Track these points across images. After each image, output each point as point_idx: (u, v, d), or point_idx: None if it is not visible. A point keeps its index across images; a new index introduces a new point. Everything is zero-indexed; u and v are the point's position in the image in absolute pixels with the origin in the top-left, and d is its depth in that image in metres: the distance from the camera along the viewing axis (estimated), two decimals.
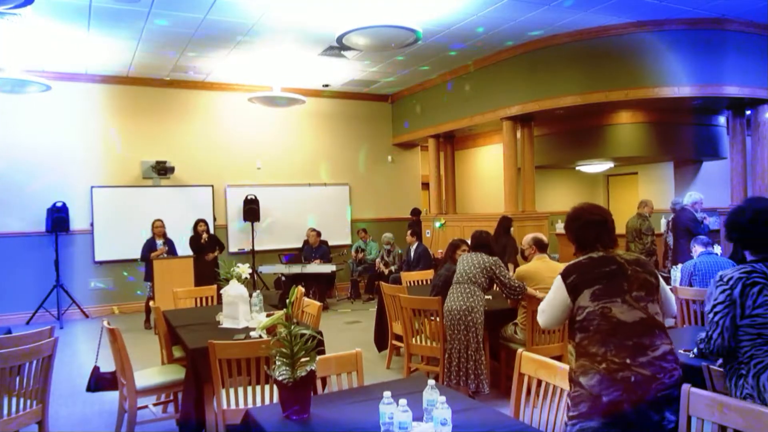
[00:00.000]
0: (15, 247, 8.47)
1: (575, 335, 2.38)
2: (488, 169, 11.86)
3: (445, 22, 6.93)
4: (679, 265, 5.32)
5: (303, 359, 2.26)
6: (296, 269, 8.79)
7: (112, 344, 3.70)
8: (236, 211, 9.87)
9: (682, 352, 2.97)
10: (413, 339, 4.98)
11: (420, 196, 11.88)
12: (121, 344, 3.61)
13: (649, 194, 9.54)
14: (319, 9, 6.36)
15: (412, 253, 8.68)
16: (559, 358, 4.24)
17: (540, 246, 4.80)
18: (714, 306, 2.26)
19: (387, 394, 2.05)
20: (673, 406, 2.14)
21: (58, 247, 8.47)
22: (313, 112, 10.58)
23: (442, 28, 7.18)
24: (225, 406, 3.21)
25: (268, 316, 4.04)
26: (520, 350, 2.68)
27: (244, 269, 4.30)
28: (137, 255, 8.07)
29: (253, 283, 9.06)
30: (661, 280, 2.45)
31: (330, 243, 9.89)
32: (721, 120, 9.08)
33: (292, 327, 2.25)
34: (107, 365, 3.96)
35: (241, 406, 3.20)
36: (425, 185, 11.72)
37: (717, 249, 5.39)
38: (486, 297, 4.74)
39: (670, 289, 2.59)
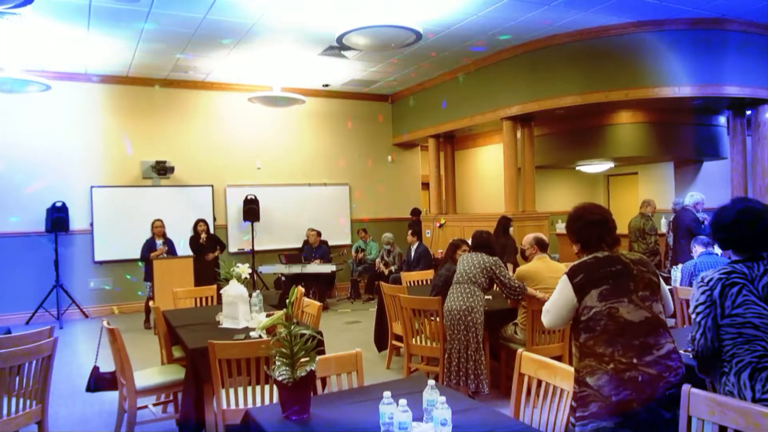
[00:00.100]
0: (15, 246, 8.46)
1: (579, 335, 2.40)
2: (488, 169, 11.85)
3: (445, 22, 6.93)
4: (680, 266, 5.31)
5: (303, 359, 2.25)
6: (296, 269, 8.79)
7: (111, 344, 3.70)
8: (236, 211, 9.86)
9: (682, 352, 2.97)
10: (413, 339, 4.98)
11: (420, 196, 11.88)
12: (121, 344, 3.60)
13: (649, 194, 9.53)
14: (319, 9, 6.36)
15: (412, 253, 8.68)
16: (559, 359, 4.23)
17: (541, 246, 4.80)
18: (696, 307, 2.29)
19: (387, 394, 2.05)
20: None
21: (58, 247, 8.46)
22: (313, 112, 10.58)
23: (442, 28, 7.17)
24: (225, 406, 3.21)
25: (267, 316, 4.03)
26: (520, 350, 2.68)
27: (243, 269, 4.30)
28: (137, 255, 8.07)
29: (252, 283, 9.06)
30: (660, 279, 2.48)
31: (330, 243, 9.89)
32: (722, 120, 9.07)
33: (292, 327, 2.25)
34: (107, 365, 3.95)
35: (241, 406, 3.20)
36: (425, 185, 11.71)
37: (717, 249, 5.37)
38: (486, 297, 4.74)
39: (670, 289, 2.61)
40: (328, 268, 8.86)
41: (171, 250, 7.97)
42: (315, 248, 9.41)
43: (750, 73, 7.21)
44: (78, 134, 8.93)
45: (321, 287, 8.85)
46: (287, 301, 2.38)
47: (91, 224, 8.95)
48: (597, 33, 7.32)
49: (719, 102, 7.94)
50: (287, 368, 2.23)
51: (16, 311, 8.28)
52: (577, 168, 11.14)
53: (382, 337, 5.91)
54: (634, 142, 8.91)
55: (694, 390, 2.07)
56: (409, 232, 8.91)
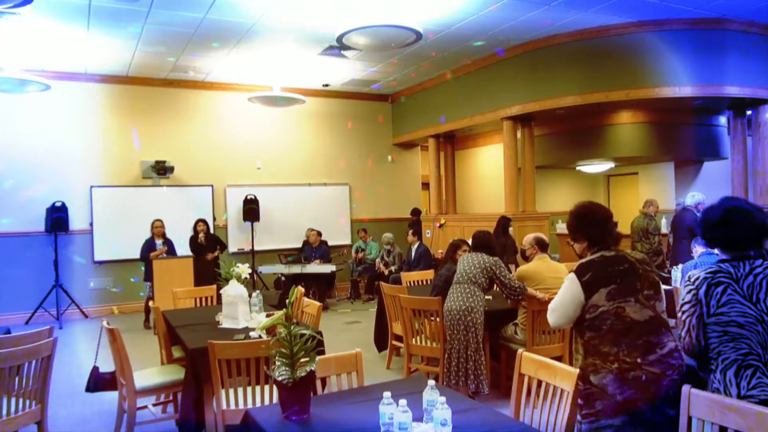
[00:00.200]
0: (14, 246, 8.46)
1: (583, 333, 2.42)
2: (488, 169, 11.85)
3: (446, 21, 6.92)
4: (680, 266, 5.31)
5: (303, 359, 2.25)
6: (296, 269, 8.78)
7: (111, 344, 3.70)
8: (236, 211, 9.86)
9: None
10: (413, 339, 4.97)
11: (420, 196, 11.87)
12: (121, 344, 3.60)
13: (649, 194, 9.52)
14: (319, 8, 6.35)
15: (413, 253, 8.67)
16: (559, 359, 4.23)
17: (541, 246, 4.80)
18: (682, 305, 2.32)
19: (387, 394, 2.05)
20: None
21: (58, 247, 8.46)
22: (313, 112, 10.57)
23: (442, 28, 7.17)
24: (224, 407, 3.21)
25: (267, 316, 4.03)
26: (520, 350, 2.68)
27: (243, 269, 4.30)
28: (137, 255, 8.06)
29: (252, 283, 9.06)
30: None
31: (330, 243, 9.89)
32: (722, 120, 9.07)
33: (292, 327, 2.25)
34: (106, 365, 3.95)
35: (241, 406, 3.20)
36: (425, 185, 11.71)
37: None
38: (486, 297, 4.73)
39: (669, 289, 2.63)
40: (328, 268, 8.85)
41: (170, 250, 7.97)
42: (315, 248, 9.40)
43: (750, 73, 7.21)
44: (78, 134, 8.93)
45: (321, 287, 8.85)
46: (287, 301, 2.37)
47: (91, 224, 8.95)
48: (597, 33, 7.31)
49: (720, 102, 7.94)
50: (287, 368, 2.22)
51: (15, 311, 8.28)
52: (578, 168, 11.14)
53: (382, 338, 5.91)
54: (635, 142, 8.90)
55: (695, 390, 2.08)
56: (410, 231, 8.90)
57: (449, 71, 9.38)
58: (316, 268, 8.85)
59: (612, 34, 7.26)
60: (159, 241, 7.91)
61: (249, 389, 3.22)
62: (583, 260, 2.51)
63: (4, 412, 3.09)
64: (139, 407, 3.72)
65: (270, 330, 3.04)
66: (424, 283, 6.67)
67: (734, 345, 2.18)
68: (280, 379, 2.22)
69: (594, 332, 2.38)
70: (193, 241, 8.24)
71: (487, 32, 7.37)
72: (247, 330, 3.93)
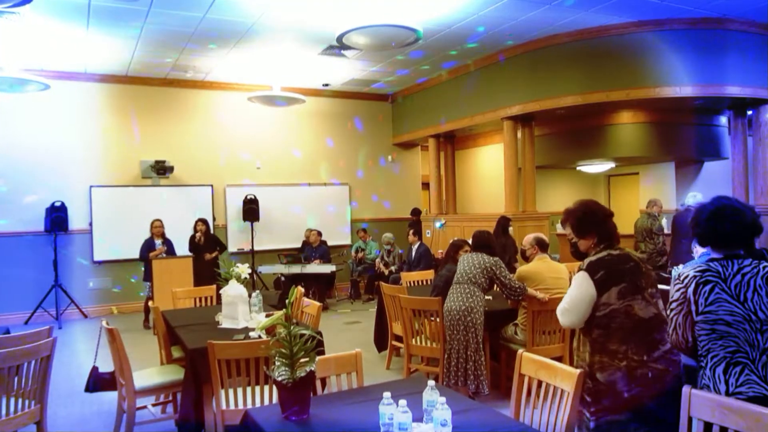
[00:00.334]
0: (13, 246, 8.45)
1: (591, 330, 2.46)
2: (489, 169, 11.84)
3: (446, 21, 6.91)
4: (680, 266, 5.30)
5: (302, 360, 2.25)
6: (296, 269, 8.77)
7: (110, 344, 3.69)
8: (236, 211, 9.85)
9: None
10: (413, 339, 4.96)
11: (420, 196, 11.87)
12: (120, 344, 3.59)
13: (650, 195, 9.52)
14: (319, 8, 6.35)
15: (413, 253, 8.66)
16: (559, 359, 4.22)
17: (542, 246, 4.79)
18: (671, 303, 2.36)
19: (387, 394, 2.05)
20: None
21: (57, 247, 8.45)
22: (313, 112, 10.57)
23: (442, 28, 7.16)
24: (224, 407, 3.20)
25: (267, 316, 4.02)
26: (520, 351, 2.67)
27: (243, 269, 4.29)
28: (136, 255, 8.05)
29: (252, 284, 9.05)
30: None
31: (330, 243, 9.88)
32: (723, 120, 9.07)
33: (292, 327, 2.24)
34: (106, 365, 3.94)
35: (240, 406, 3.19)
36: (425, 185, 11.71)
37: None
38: (486, 297, 4.72)
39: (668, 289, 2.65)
40: (327, 269, 8.85)
41: (170, 250, 7.95)
42: (315, 248, 9.40)
43: (751, 73, 7.20)
44: (77, 134, 8.92)
45: (321, 287, 8.84)
46: (287, 301, 2.37)
47: (91, 224, 8.94)
48: (598, 33, 7.30)
49: (720, 102, 7.93)
50: (287, 368, 2.22)
51: (14, 311, 8.27)
52: (578, 168, 11.13)
53: (382, 338, 5.90)
54: (635, 142, 8.90)
55: (695, 391, 2.09)
56: (410, 231, 8.89)
57: (449, 71, 9.37)
58: (315, 268, 8.84)
59: (612, 34, 7.25)
60: (158, 241, 7.90)
61: (249, 389, 3.22)
62: (592, 258, 2.52)
63: (4, 412, 3.08)
64: (138, 407, 3.72)
65: (270, 330, 3.03)
66: (424, 283, 6.66)
67: (723, 343, 2.20)
68: (279, 379, 2.22)
69: (602, 330, 2.42)
70: (191, 241, 8.23)
71: (488, 31, 7.36)
72: (246, 330, 3.93)
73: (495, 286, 4.60)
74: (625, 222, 10.33)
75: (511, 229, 7.73)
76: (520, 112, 8.19)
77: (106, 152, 9.10)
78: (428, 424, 2.07)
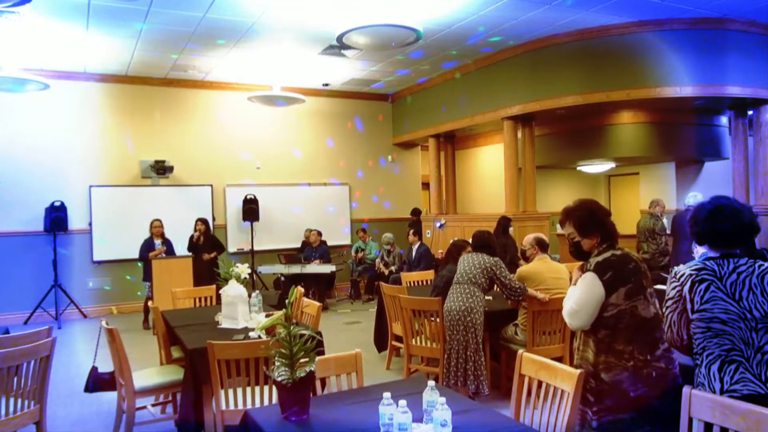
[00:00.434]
0: (13, 246, 8.45)
1: (597, 331, 2.47)
2: (489, 169, 11.84)
3: (446, 21, 6.91)
4: (681, 266, 5.29)
5: (302, 360, 2.24)
6: (296, 269, 8.76)
7: (110, 344, 3.69)
8: (235, 211, 9.84)
9: None
10: (413, 340, 4.96)
11: (420, 196, 11.86)
12: (120, 344, 3.59)
13: (650, 195, 9.51)
14: (319, 8, 6.34)
15: (413, 253, 8.65)
16: (559, 360, 4.21)
17: (542, 246, 4.79)
18: (666, 301, 2.38)
19: (387, 395, 2.04)
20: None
21: (57, 247, 8.44)
22: (313, 112, 10.56)
23: (442, 27, 7.15)
24: (224, 407, 3.20)
25: (267, 316, 4.01)
26: (520, 351, 2.66)
27: (243, 269, 4.28)
28: (136, 255, 8.03)
29: (252, 284, 9.04)
30: None
31: (330, 243, 9.87)
32: (723, 120, 9.06)
33: (292, 327, 2.24)
34: (105, 365, 3.94)
35: (240, 406, 3.18)
36: (425, 185, 11.70)
37: None
38: (486, 297, 4.71)
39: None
40: (327, 269, 8.84)
41: (169, 250, 7.94)
42: (315, 248, 9.39)
43: (752, 73, 7.19)
44: (77, 133, 8.91)
45: (321, 287, 8.83)
46: (287, 301, 2.36)
47: (90, 224, 8.93)
48: (598, 32, 7.30)
49: (721, 102, 7.93)
50: (286, 369, 2.21)
51: (14, 311, 8.27)
52: (578, 168, 11.12)
53: (381, 338, 5.89)
54: (636, 142, 8.89)
55: (695, 392, 2.09)
56: (410, 231, 8.88)
57: (449, 70, 9.36)
58: (315, 268, 8.83)
59: (613, 33, 7.24)
60: (158, 241, 7.88)
61: (248, 390, 3.21)
62: (599, 259, 2.53)
63: (3, 412, 3.07)
64: (138, 407, 3.71)
65: (269, 330, 3.03)
66: (425, 283, 6.65)
67: (718, 341, 2.22)
68: (279, 379, 2.21)
69: (609, 330, 2.44)
70: (190, 240, 8.21)
71: (488, 31, 7.36)
72: (246, 330, 3.92)
73: (495, 286, 4.59)
74: (626, 222, 10.32)
75: (511, 229, 7.72)
76: (521, 112, 8.19)
77: (105, 152, 9.10)
78: (428, 425, 2.06)
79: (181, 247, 8.25)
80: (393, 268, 9.22)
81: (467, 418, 2.23)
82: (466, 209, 12.24)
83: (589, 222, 2.62)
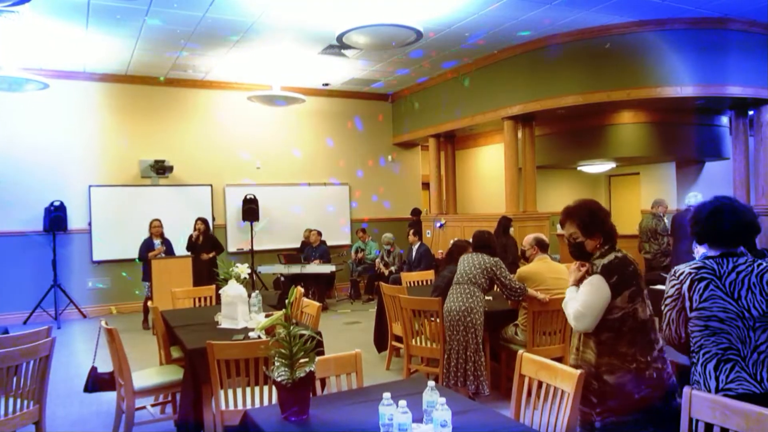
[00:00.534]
0: (12, 246, 8.44)
1: (600, 333, 2.48)
2: (489, 169, 11.83)
3: (446, 21, 6.90)
4: (681, 265, 5.28)
5: (302, 360, 2.24)
6: (295, 269, 8.76)
7: (109, 344, 3.68)
8: (235, 211, 9.84)
9: None
10: (413, 340, 4.95)
11: (420, 196, 11.86)
12: (119, 344, 3.58)
13: (651, 195, 9.51)
14: (319, 7, 6.33)
15: (413, 253, 8.64)
16: (560, 360, 4.20)
17: (541, 246, 4.78)
18: (665, 299, 2.39)
19: (386, 395, 2.04)
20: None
21: (56, 247, 8.44)
22: (313, 111, 10.55)
23: (443, 27, 7.15)
24: (223, 407, 3.19)
25: (267, 316, 4.01)
26: (520, 351, 2.66)
27: (242, 269, 4.27)
28: (135, 255, 8.02)
29: (251, 284, 9.03)
30: None
31: (330, 243, 9.86)
32: (724, 120, 9.05)
33: (291, 327, 2.23)
34: (105, 365, 3.93)
35: (240, 407, 3.18)
36: (425, 185, 11.69)
37: None
38: (486, 298, 4.71)
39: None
40: (327, 269, 8.83)
41: (169, 250, 7.92)
42: (315, 248, 9.38)
43: (752, 73, 7.19)
44: (76, 133, 8.90)
45: (320, 287, 8.83)
46: (286, 301, 2.35)
47: (90, 224, 8.93)
48: (598, 32, 7.29)
49: (721, 102, 7.92)
50: (286, 369, 2.21)
51: (13, 311, 8.26)
52: (579, 168, 11.12)
53: (381, 338, 5.88)
54: (636, 142, 8.88)
55: (696, 392, 2.09)
56: (410, 232, 8.88)
57: (451, 71, 9.36)
58: (315, 268, 8.82)
59: (613, 33, 7.24)
60: (157, 241, 7.87)
61: (248, 390, 3.20)
62: (605, 262, 2.53)
63: (2, 412, 3.07)
64: (137, 408, 3.70)
65: (269, 330, 3.02)
66: (425, 283, 6.64)
67: (715, 339, 2.24)
68: (279, 379, 2.20)
69: (613, 333, 2.45)
70: (189, 240, 8.19)
71: (489, 31, 7.35)
72: (246, 330, 3.91)
73: (495, 286, 4.58)
74: (626, 222, 10.32)
75: (512, 229, 7.71)
76: (521, 111, 8.18)
77: (105, 152, 9.09)
78: (428, 425, 2.06)
79: (180, 247, 8.24)
80: (393, 268, 9.22)
81: (467, 418, 2.22)
82: (467, 209, 12.24)
83: (592, 223, 2.62)
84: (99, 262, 8.96)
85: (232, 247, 9.85)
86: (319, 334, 3.25)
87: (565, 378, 2.36)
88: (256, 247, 9.80)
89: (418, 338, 4.97)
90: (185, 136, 9.65)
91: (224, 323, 4.15)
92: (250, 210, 9.61)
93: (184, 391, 3.53)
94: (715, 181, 9.55)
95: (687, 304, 2.29)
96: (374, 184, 11.17)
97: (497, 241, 6.62)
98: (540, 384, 2.50)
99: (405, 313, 4.87)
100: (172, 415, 4.04)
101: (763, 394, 2.15)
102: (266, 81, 9.49)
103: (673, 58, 7.09)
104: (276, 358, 2.24)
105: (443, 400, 2.02)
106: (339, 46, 7.57)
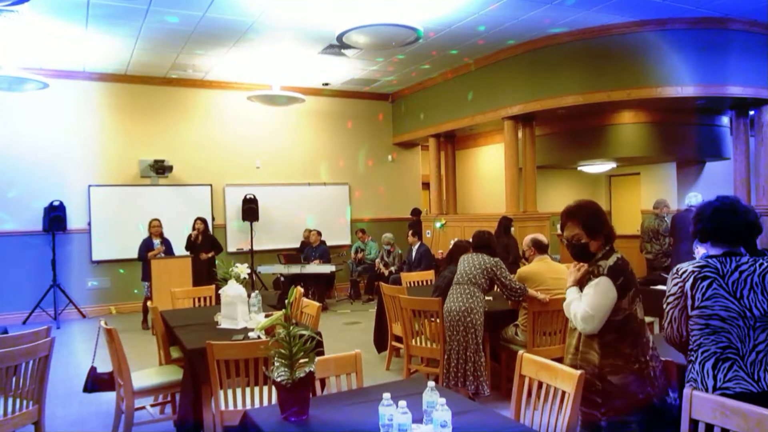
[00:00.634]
0: (11, 246, 8.43)
1: (604, 334, 2.49)
2: (489, 169, 11.82)
3: (446, 20, 6.90)
4: (683, 263, 5.27)
5: (302, 360, 2.23)
6: (295, 269, 8.75)
7: (109, 344, 3.67)
8: (235, 211, 9.83)
9: None
10: (413, 340, 4.94)
11: (420, 196, 11.85)
12: (119, 344, 3.57)
13: (651, 195, 9.49)
14: (320, 7, 6.33)
15: (413, 254, 8.64)
16: (560, 360, 4.18)
17: (539, 247, 4.77)
18: (667, 297, 2.40)
19: (386, 395, 2.03)
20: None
21: (55, 247, 8.43)
22: (313, 111, 10.55)
23: (443, 27, 7.14)
24: (223, 408, 3.18)
25: (266, 316, 4.00)
26: (520, 352, 2.65)
27: (242, 269, 4.26)
28: (135, 255, 8.01)
29: (251, 284, 9.02)
30: None
31: (329, 243, 9.84)
32: (725, 120, 9.04)
33: (291, 328, 2.22)
34: (104, 366, 3.93)
35: (239, 407, 3.17)
36: (426, 185, 11.68)
37: None
38: (486, 298, 4.70)
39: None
40: (327, 269, 8.82)
41: (168, 250, 7.91)
42: (315, 248, 9.37)
43: (753, 73, 7.18)
44: (76, 133, 8.90)
45: (320, 287, 8.82)
46: (286, 301, 2.35)
47: (89, 223, 8.92)
48: (599, 32, 7.28)
49: (722, 102, 7.91)
50: (286, 369, 2.20)
51: (12, 311, 8.25)
52: (579, 168, 11.11)
53: (381, 338, 5.88)
54: (637, 142, 8.87)
55: (697, 393, 2.09)
56: (410, 232, 8.87)
57: (450, 70, 9.35)
58: (315, 268, 8.81)
59: (614, 33, 7.23)
60: (156, 241, 7.86)
61: (248, 390, 3.20)
62: (611, 263, 2.54)
63: (1, 412, 3.07)
64: (136, 408, 3.69)
65: (269, 330, 3.01)
66: (425, 283, 6.64)
67: (715, 338, 2.25)
68: (278, 380, 2.20)
69: (617, 334, 2.47)
70: (188, 239, 8.18)
71: (489, 30, 7.34)
72: (245, 330, 3.91)
73: (495, 286, 4.57)
74: (627, 222, 10.31)
75: (512, 229, 7.71)
76: (521, 111, 8.17)
77: (104, 151, 9.08)
78: (428, 426, 2.05)
79: (180, 247, 8.23)
80: (393, 268, 9.21)
81: (467, 419, 2.21)
82: (467, 209, 12.23)
83: (595, 223, 2.62)
84: (98, 262, 8.95)
85: (231, 247, 9.85)
86: (319, 334, 3.25)
87: (566, 378, 2.36)
88: (255, 247, 9.79)
89: (418, 338, 4.96)
90: (185, 136, 9.64)
91: (224, 323, 4.14)
92: (250, 210, 9.61)
93: (183, 391, 3.52)
94: (716, 181, 9.54)
95: (689, 302, 2.30)
96: (374, 184, 11.16)
97: (499, 241, 6.63)
98: (540, 384, 2.49)
99: (405, 313, 4.86)
100: (171, 415, 4.03)
101: (760, 393, 2.16)
102: (266, 81, 9.48)
103: (673, 58, 7.08)
104: (276, 359, 2.23)
105: (443, 400, 2.02)
106: (339, 45, 7.57)
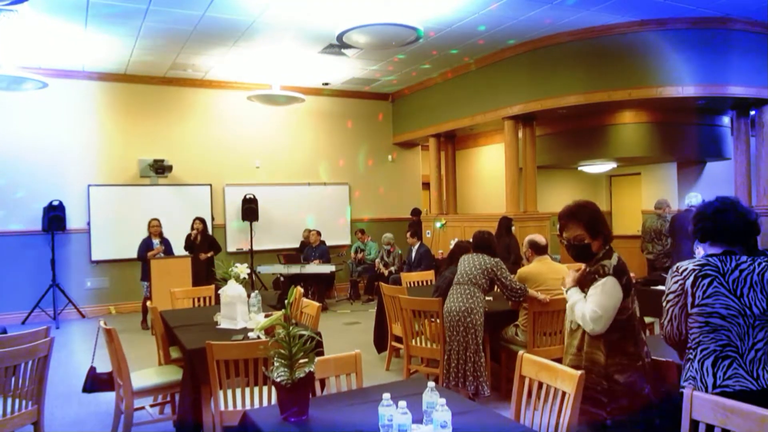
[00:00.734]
0: (11, 246, 8.42)
1: (610, 334, 2.52)
2: (489, 169, 11.81)
3: (447, 20, 6.89)
4: (683, 262, 5.26)
5: (301, 360, 2.23)
6: (295, 269, 8.74)
7: (108, 344, 3.66)
8: (235, 211, 9.82)
9: None
10: (413, 340, 4.93)
11: (420, 196, 11.84)
12: (118, 344, 3.57)
13: (652, 195, 9.48)
14: (320, 6, 6.32)
15: (413, 254, 8.63)
16: (560, 361, 4.18)
17: (536, 249, 4.76)
18: (667, 295, 2.41)
19: (386, 396, 2.03)
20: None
21: (55, 246, 8.42)
22: (313, 111, 10.54)
23: (443, 27, 7.14)
24: (222, 408, 3.18)
25: (266, 316, 3.99)
26: (521, 352, 2.64)
27: (242, 269, 4.26)
28: (134, 255, 8.00)
29: (251, 284, 9.01)
30: None
31: (329, 243, 9.84)
32: (725, 120, 9.03)
33: (291, 328, 2.22)
34: (104, 366, 3.92)
35: (239, 407, 3.17)
36: (426, 185, 11.68)
37: None
38: (486, 298, 4.69)
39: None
40: (327, 269, 8.82)
41: (168, 250, 7.90)
42: (315, 248, 9.37)
43: (754, 73, 7.18)
44: (75, 132, 8.89)
45: (320, 288, 8.81)
46: (286, 301, 2.34)
47: (88, 223, 8.91)
48: (599, 32, 7.28)
49: (723, 102, 7.90)
50: (286, 369, 2.20)
51: (12, 311, 8.25)
52: (579, 168, 11.10)
53: (381, 339, 5.87)
54: (637, 142, 8.87)
55: (697, 393, 2.09)
56: (410, 232, 8.87)
57: (451, 70, 9.34)
58: (315, 268, 8.81)
59: (614, 33, 7.23)
60: (156, 241, 7.85)
61: (247, 390, 3.19)
62: (614, 263, 2.57)
63: (0, 412, 3.06)
64: (136, 408, 3.68)
65: (269, 331, 3.01)
66: (425, 284, 6.63)
67: (714, 336, 2.26)
68: (278, 380, 2.19)
69: (621, 333, 2.51)
70: (187, 239, 8.17)
71: (489, 30, 7.34)
72: (245, 330, 3.90)
73: (496, 287, 4.57)
74: (627, 223, 10.30)
75: (513, 228, 7.70)
76: (522, 111, 8.17)
77: (104, 151, 9.08)
78: (428, 426, 2.05)
79: (179, 247, 8.22)
80: (393, 268, 9.21)
81: (467, 419, 2.21)
82: (467, 209, 12.22)
83: (597, 223, 2.65)
84: (98, 262, 8.95)
85: (231, 247, 9.84)
86: (319, 334, 3.24)
87: (566, 379, 2.35)
88: (255, 247, 9.79)
89: (418, 339, 4.95)
90: (184, 136, 9.63)
91: (223, 323, 4.14)
92: (250, 210, 9.60)
93: (183, 391, 3.51)
94: (717, 181, 9.53)
95: (689, 300, 2.31)
96: (374, 184, 11.16)
97: (500, 241, 6.62)
98: (540, 385, 2.49)
99: (405, 313, 4.86)
100: (171, 415, 4.03)
101: (760, 391, 2.17)
102: (266, 80, 9.47)
103: (674, 58, 7.08)
104: (275, 359, 2.23)
105: (443, 400, 2.01)
106: (339, 45, 7.56)
